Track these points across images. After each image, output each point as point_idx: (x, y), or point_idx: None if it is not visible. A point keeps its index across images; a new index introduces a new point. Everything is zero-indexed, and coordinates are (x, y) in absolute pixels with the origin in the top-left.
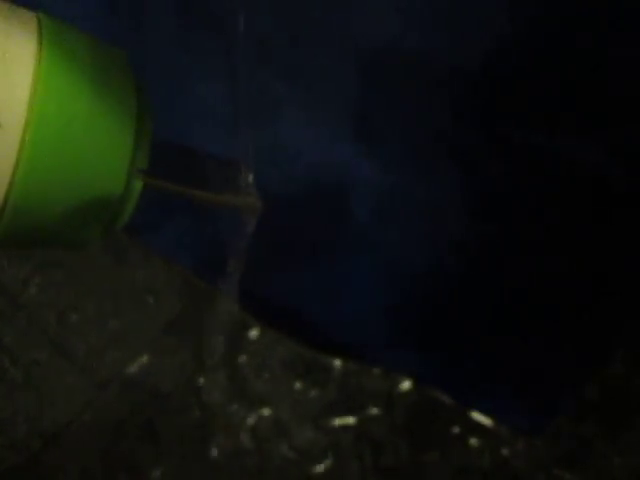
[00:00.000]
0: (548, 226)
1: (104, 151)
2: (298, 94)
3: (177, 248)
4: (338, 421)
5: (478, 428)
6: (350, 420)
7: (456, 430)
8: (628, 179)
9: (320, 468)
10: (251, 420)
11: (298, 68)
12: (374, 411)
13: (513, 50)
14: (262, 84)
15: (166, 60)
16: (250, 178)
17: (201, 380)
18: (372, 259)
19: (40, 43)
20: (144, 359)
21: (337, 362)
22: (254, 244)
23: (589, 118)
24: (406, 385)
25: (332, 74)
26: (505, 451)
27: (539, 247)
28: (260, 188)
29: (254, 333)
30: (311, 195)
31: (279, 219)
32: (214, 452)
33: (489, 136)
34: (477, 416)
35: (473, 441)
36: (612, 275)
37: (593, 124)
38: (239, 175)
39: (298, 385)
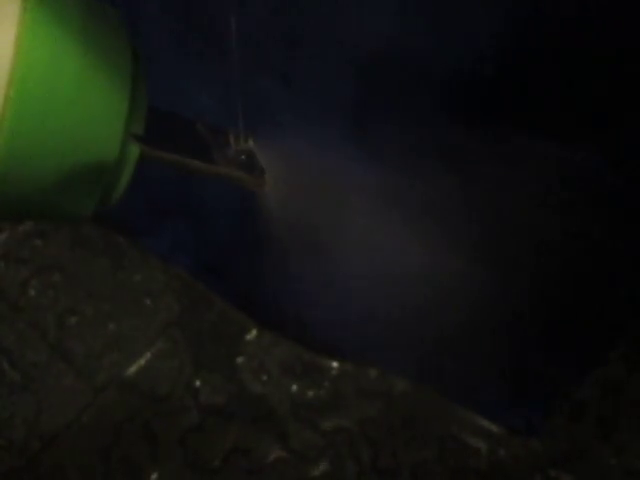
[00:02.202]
0: (543, 226)
1: (97, 112)
2: (296, 97)
3: (175, 251)
4: (335, 422)
5: (475, 429)
6: (347, 421)
7: (453, 431)
8: (622, 180)
9: (317, 469)
10: (248, 421)
11: (295, 71)
12: (371, 412)
13: (508, 52)
14: (261, 88)
15: (163, 64)
16: (254, 153)
17: (199, 382)
18: (370, 260)
19: None
20: (142, 361)
21: (334, 363)
22: (252, 247)
23: (583, 120)
24: (403, 386)
25: (329, 77)
26: (502, 451)
27: (535, 247)
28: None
29: (252, 335)
30: (310, 197)
31: (277, 221)
32: (212, 454)
33: (484, 137)
34: (474, 417)
35: (470, 442)
36: (609, 276)
37: (587, 126)
38: (243, 149)
39: (295, 386)
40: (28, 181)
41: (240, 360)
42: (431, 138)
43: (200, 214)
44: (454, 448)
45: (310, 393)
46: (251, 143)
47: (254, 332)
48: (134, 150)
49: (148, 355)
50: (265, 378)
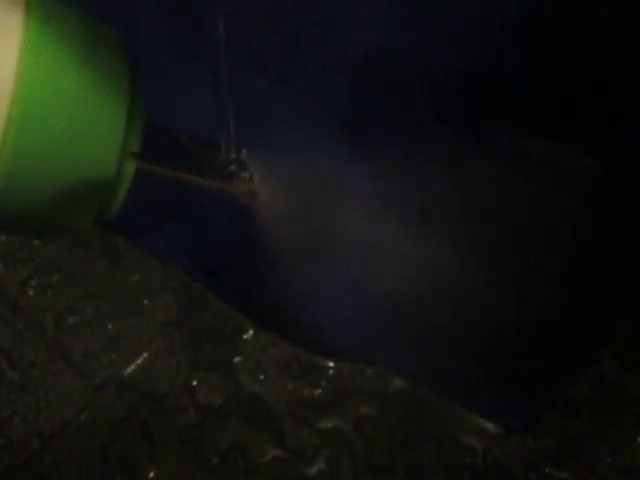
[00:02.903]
0: (536, 227)
1: (95, 131)
2: (290, 99)
3: (172, 252)
4: (332, 421)
5: (470, 427)
6: (344, 420)
7: (449, 429)
8: (611, 180)
9: (314, 468)
10: (245, 421)
11: (289, 74)
12: (368, 411)
13: (497, 53)
14: (255, 89)
15: (158, 65)
16: (246, 165)
17: (196, 381)
18: (367, 261)
19: (28, 17)
20: (140, 361)
21: (331, 363)
22: (249, 247)
23: (575, 120)
24: (399, 385)
25: (324, 78)
26: (497, 450)
27: (529, 247)
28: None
29: (249, 335)
30: (305, 198)
31: (273, 222)
32: (209, 453)
33: (474, 137)
34: (470, 416)
35: (465, 440)
36: (601, 276)
37: (576, 126)
38: (235, 162)
39: (292, 386)
40: (29, 197)
41: (237, 360)
42: (425, 139)
43: (198, 215)
44: (450, 446)
45: (307, 392)
46: (244, 155)
47: (251, 332)
48: (130, 166)
49: (146, 355)
50: (262, 378)
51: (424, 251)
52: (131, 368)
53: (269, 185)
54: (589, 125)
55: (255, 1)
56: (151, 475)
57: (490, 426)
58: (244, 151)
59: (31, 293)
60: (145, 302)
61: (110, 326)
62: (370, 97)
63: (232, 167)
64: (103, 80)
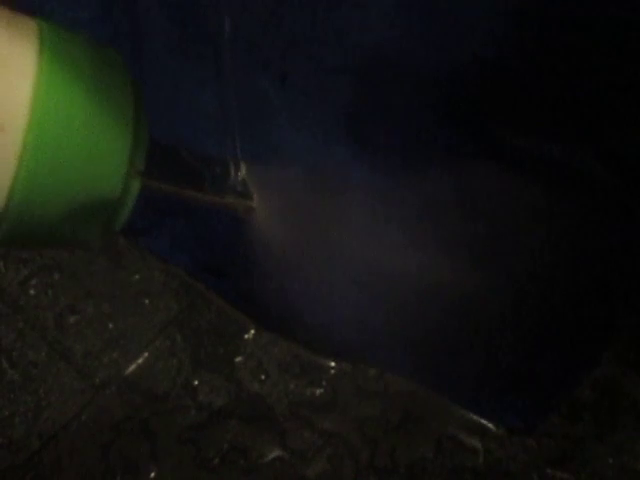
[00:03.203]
0: (537, 228)
1: (103, 152)
2: (292, 98)
3: (173, 251)
4: (333, 421)
5: (472, 428)
6: (345, 420)
7: (450, 430)
8: (615, 180)
9: (315, 468)
10: (246, 420)
11: (292, 73)
12: (369, 411)
13: (501, 53)
14: (257, 89)
15: (161, 65)
16: (244, 179)
17: (197, 381)
18: (368, 260)
19: (41, 49)
20: (141, 361)
21: (332, 363)
22: (250, 247)
23: (576, 120)
24: (401, 386)
25: (325, 79)
26: (498, 451)
27: (530, 247)
28: (256, 191)
29: (250, 335)
30: (305, 198)
31: (275, 222)
32: (209, 452)
33: (478, 137)
34: (471, 416)
35: (467, 441)
36: (603, 277)
37: (579, 126)
38: (234, 176)
39: (293, 386)
40: (42, 214)
41: (238, 359)
42: (427, 140)
43: (199, 214)
44: (451, 447)
45: (308, 392)
46: (243, 169)
47: (252, 332)
48: (136, 184)
49: (147, 354)
50: (263, 377)
51: (425, 252)
52: (132, 368)
53: (270, 187)
54: (593, 126)
55: (258, 1)
56: (152, 475)
57: (492, 427)
58: (242, 163)
59: (32, 292)
60: (146, 302)
61: (111, 325)
62: (372, 97)
63: (231, 180)
64: (110, 104)
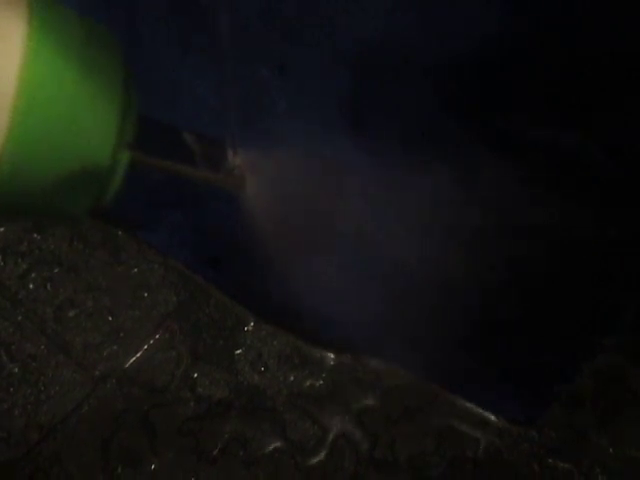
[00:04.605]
0: (538, 214)
1: (92, 122)
2: (291, 87)
3: (172, 244)
4: (332, 413)
5: (473, 420)
6: (345, 412)
7: (451, 422)
8: (611, 164)
9: (315, 459)
10: (246, 412)
11: (291, 64)
12: (369, 403)
13: (496, 42)
14: (256, 77)
15: (160, 54)
16: (237, 159)
17: (196, 374)
18: (368, 252)
19: (30, 18)
20: (140, 353)
21: (331, 355)
22: (249, 237)
23: (570, 106)
24: (400, 377)
25: (323, 68)
26: (499, 441)
27: (531, 236)
28: (253, 176)
29: (249, 327)
30: (304, 188)
31: (274, 212)
32: (209, 444)
33: (475, 124)
34: (472, 408)
35: (468, 432)
36: (603, 265)
37: (574, 111)
38: (225, 155)
39: (293, 377)
40: (32, 184)
41: (238, 352)
42: (425, 126)
43: (198, 207)
44: (452, 439)
45: (307, 384)
46: (240, 154)
47: (252, 324)
48: (125, 156)
49: (146, 347)
50: (263, 369)
51: (423, 239)
52: (131, 360)
53: (267, 179)
54: (593, 111)
55: None
56: (152, 467)
57: (492, 418)
58: (239, 148)
59: (31, 286)
60: (145, 295)
61: (110, 319)
62: (371, 85)
63: (226, 162)
64: (99, 75)
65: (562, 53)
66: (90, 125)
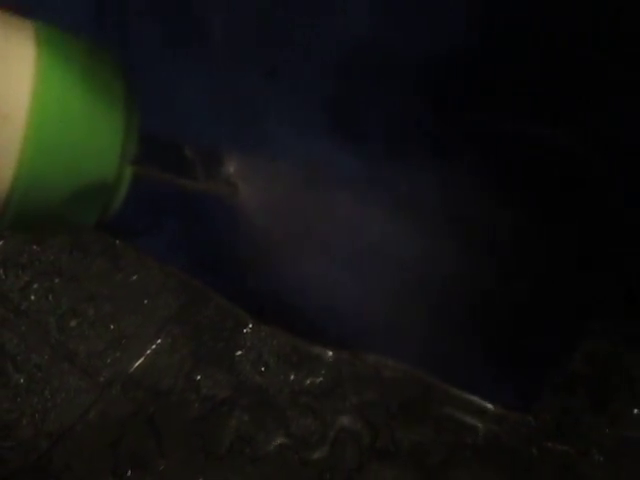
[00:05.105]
0: (523, 209)
1: (98, 141)
2: (281, 92)
3: (170, 251)
4: (334, 408)
5: (471, 408)
6: (345, 406)
7: (449, 411)
8: (599, 162)
9: (319, 453)
10: (250, 411)
11: (281, 68)
12: (369, 396)
13: (482, 41)
14: (247, 83)
15: (152, 61)
16: (230, 168)
17: (199, 376)
18: (361, 250)
19: (38, 44)
20: (144, 358)
21: (330, 352)
22: (245, 242)
23: (556, 104)
24: (398, 370)
25: (311, 71)
26: (497, 428)
27: (516, 227)
28: (246, 182)
29: (249, 328)
30: (295, 190)
31: (266, 213)
32: (215, 443)
33: (461, 124)
34: (469, 397)
35: (466, 420)
36: (587, 253)
37: (560, 109)
38: (220, 165)
39: (293, 375)
40: (42, 204)
41: (239, 353)
42: (410, 128)
43: (195, 212)
44: (450, 427)
45: (308, 381)
46: (232, 161)
47: (251, 325)
48: (128, 170)
49: (149, 352)
50: (263, 369)
51: (413, 237)
52: (135, 365)
53: (258, 181)
54: (577, 108)
55: None
56: (161, 468)
57: (489, 406)
58: (232, 155)
59: (33, 297)
60: (145, 301)
61: (112, 326)
62: (356, 88)
63: (220, 170)
64: (104, 97)
65: (540, 51)
66: (96, 145)
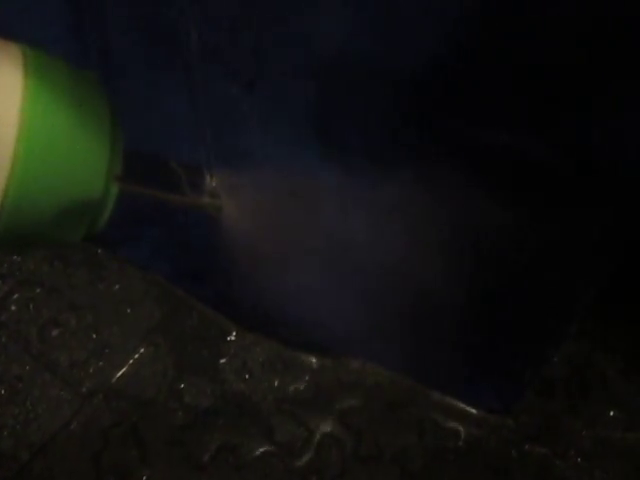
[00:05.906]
0: (499, 213)
1: (85, 160)
2: (261, 104)
3: (154, 259)
4: (317, 414)
5: (452, 412)
6: (329, 412)
7: (431, 415)
8: (573, 169)
9: (302, 460)
10: (233, 419)
11: (260, 80)
12: (352, 402)
13: (457, 51)
14: (227, 96)
15: (133, 77)
16: (213, 181)
17: (183, 384)
18: (342, 258)
19: (25, 69)
20: (127, 368)
21: (313, 359)
22: (228, 250)
23: (532, 113)
24: (381, 376)
25: (291, 82)
26: (478, 431)
27: (493, 233)
28: (229, 194)
29: (232, 336)
30: (279, 199)
31: (249, 224)
32: (199, 452)
33: (439, 134)
34: (451, 401)
35: (448, 424)
36: (564, 258)
37: (536, 119)
38: (203, 179)
39: (277, 383)
40: (31, 221)
41: (222, 361)
42: (391, 139)
43: (177, 221)
44: (433, 431)
45: (292, 388)
46: (215, 174)
47: (235, 333)
48: (114, 188)
49: (132, 361)
50: (247, 377)
51: (394, 247)
52: (118, 375)
53: (241, 193)
54: (559, 123)
55: (223, 10)
56: (144, 478)
57: (470, 409)
58: (214, 168)
59: (13, 308)
60: (128, 310)
61: (95, 336)
62: (337, 100)
63: (204, 184)
64: (89, 118)
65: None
66: (83, 164)
